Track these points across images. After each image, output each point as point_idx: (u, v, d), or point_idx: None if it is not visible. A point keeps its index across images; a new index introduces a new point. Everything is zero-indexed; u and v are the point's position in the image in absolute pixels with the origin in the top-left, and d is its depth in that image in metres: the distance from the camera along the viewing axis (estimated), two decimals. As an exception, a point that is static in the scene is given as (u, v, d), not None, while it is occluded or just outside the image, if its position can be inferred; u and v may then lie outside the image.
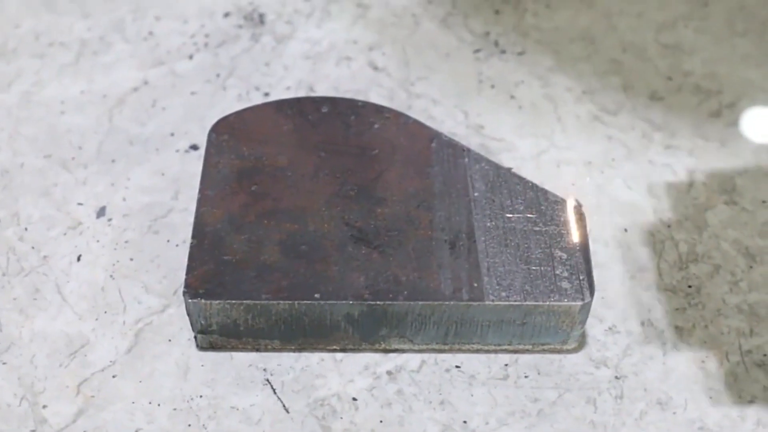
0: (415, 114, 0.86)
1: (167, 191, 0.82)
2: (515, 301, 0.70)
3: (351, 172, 0.77)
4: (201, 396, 0.71)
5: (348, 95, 0.89)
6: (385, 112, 0.81)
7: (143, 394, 0.71)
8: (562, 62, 0.93)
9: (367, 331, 0.72)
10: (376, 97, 0.89)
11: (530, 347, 0.73)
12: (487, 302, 0.70)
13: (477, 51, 0.94)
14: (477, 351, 0.73)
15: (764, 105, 0.90)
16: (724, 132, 0.88)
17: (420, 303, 0.70)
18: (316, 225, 0.73)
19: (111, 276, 0.77)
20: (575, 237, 0.73)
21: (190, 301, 0.70)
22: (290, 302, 0.70)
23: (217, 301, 0.70)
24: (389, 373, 0.72)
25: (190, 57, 0.92)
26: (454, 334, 0.72)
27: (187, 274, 0.71)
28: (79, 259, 0.78)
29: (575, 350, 0.73)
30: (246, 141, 0.78)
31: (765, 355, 0.73)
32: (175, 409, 0.70)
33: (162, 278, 0.77)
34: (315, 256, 0.72)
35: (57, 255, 0.78)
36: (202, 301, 0.70)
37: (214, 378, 0.72)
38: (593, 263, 0.75)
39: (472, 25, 0.96)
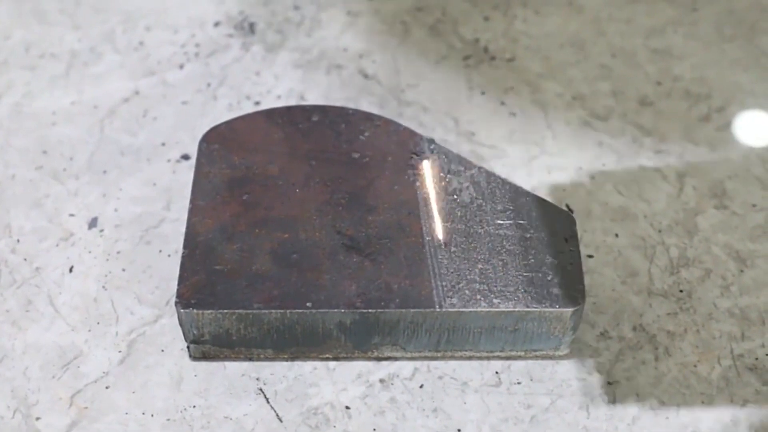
0: (406, 121, 0.87)
1: (159, 201, 0.82)
2: (507, 307, 0.70)
3: (342, 180, 0.77)
4: (194, 406, 0.71)
5: (339, 103, 0.89)
6: (376, 120, 0.81)
7: (137, 404, 0.71)
8: (552, 68, 0.93)
9: (360, 339, 0.72)
10: (366, 105, 0.89)
11: (522, 353, 0.73)
12: (478, 309, 0.70)
13: (467, 58, 0.94)
14: (469, 358, 0.73)
15: (753, 109, 0.91)
16: (714, 136, 0.88)
17: (412, 311, 0.70)
18: (308, 233, 0.73)
19: (103, 287, 0.77)
20: (566, 243, 0.74)
21: (182, 311, 0.70)
22: (282, 311, 0.70)
23: (210, 311, 0.70)
24: (382, 381, 0.72)
25: (181, 67, 0.93)
26: (447, 341, 0.72)
27: (179, 284, 0.71)
28: (71, 270, 0.78)
29: (567, 356, 0.74)
30: (237, 150, 0.79)
31: (756, 358, 0.74)
32: (168, 420, 0.70)
33: (154, 288, 0.77)
34: (306, 265, 0.72)
35: (49, 266, 0.78)
36: (195, 311, 0.70)
37: (207, 388, 0.72)
38: (584, 268, 0.75)
39: (461, 31, 0.96)
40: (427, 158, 0.78)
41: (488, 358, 0.73)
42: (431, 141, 0.80)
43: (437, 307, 0.70)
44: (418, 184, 0.77)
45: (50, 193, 0.83)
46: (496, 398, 0.72)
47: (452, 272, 0.72)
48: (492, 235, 0.74)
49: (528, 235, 0.74)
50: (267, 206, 0.75)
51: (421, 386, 0.72)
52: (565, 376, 0.73)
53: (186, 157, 0.85)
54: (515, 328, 0.71)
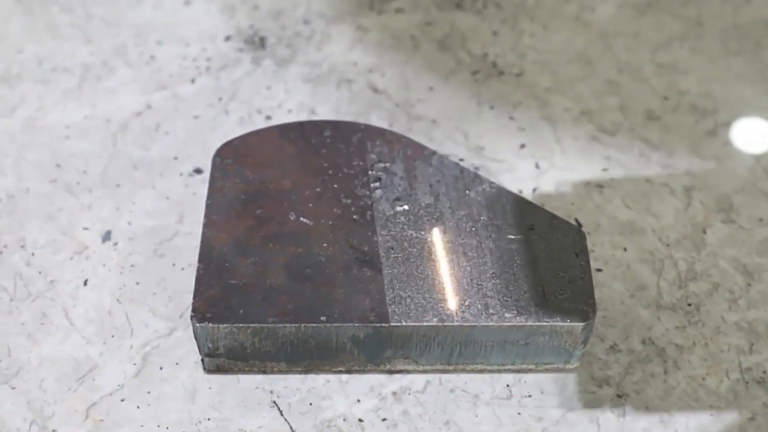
0: (416, 136, 0.87)
1: (172, 215, 0.83)
2: (518, 321, 0.71)
3: (354, 195, 0.78)
4: (209, 419, 0.72)
5: (349, 117, 0.90)
6: (387, 135, 0.82)
7: (151, 417, 0.72)
8: (560, 83, 0.94)
9: (373, 352, 0.73)
10: (376, 120, 0.90)
11: (533, 367, 0.74)
12: (490, 323, 0.71)
13: (475, 73, 0.95)
14: (481, 371, 0.74)
15: (759, 123, 0.92)
16: (721, 150, 0.89)
17: (424, 324, 0.71)
18: (321, 248, 0.74)
19: (118, 300, 0.78)
20: (576, 257, 0.74)
21: (197, 325, 0.71)
22: (296, 325, 0.71)
23: (225, 325, 0.71)
24: (395, 393, 0.73)
25: (193, 81, 0.93)
26: (458, 354, 0.73)
27: (194, 298, 0.72)
28: (85, 283, 0.79)
29: (578, 369, 0.74)
30: (250, 165, 0.79)
31: (764, 372, 0.75)
32: (183, 432, 0.71)
33: (168, 301, 0.78)
34: (320, 279, 0.73)
35: (64, 279, 0.79)
36: (210, 324, 0.71)
37: (222, 400, 0.73)
38: (594, 282, 0.76)
39: (470, 46, 0.97)
40: (437, 173, 0.79)
41: (499, 372, 0.74)
42: (441, 156, 0.81)
43: (449, 321, 0.71)
44: (428, 199, 0.78)
45: (64, 206, 0.84)
46: (508, 411, 0.72)
47: (464, 286, 0.72)
48: (502, 249, 0.75)
49: (538, 250, 0.75)
50: (280, 221, 0.76)
51: (438, 399, 0.73)
52: (575, 389, 0.73)
53: (198, 170, 0.86)
54: (526, 342, 0.72)
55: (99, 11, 0.99)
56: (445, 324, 0.71)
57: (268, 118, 0.90)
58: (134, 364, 0.74)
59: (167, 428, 0.71)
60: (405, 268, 0.73)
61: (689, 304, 0.78)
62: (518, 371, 0.74)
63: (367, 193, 0.78)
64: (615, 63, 0.96)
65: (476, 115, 0.91)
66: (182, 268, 0.79)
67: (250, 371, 0.74)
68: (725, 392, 0.74)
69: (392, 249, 0.74)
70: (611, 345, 0.76)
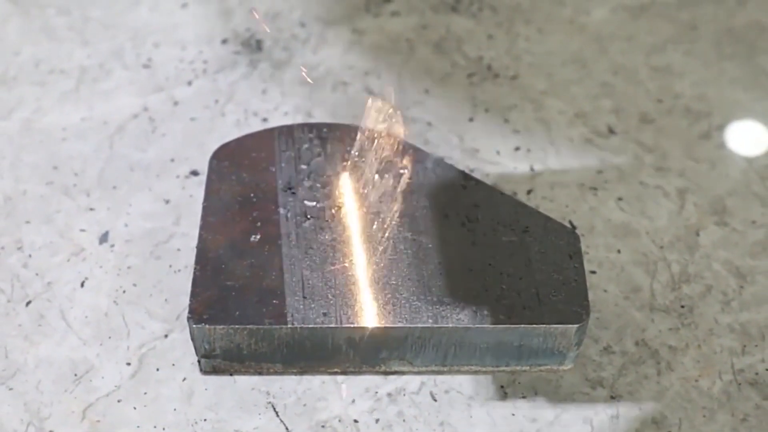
0: (411, 139, 0.87)
1: (168, 217, 0.83)
2: (512, 323, 0.71)
3: (350, 197, 0.78)
4: (205, 420, 0.72)
5: (345, 120, 0.90)
6: (382, 138, 0.82)
7: (148, 418, 0.72)
8: (555, 86, 0.95)
9: (368, 354, 0.73)
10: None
11: (528, 368, 0.74)
12: (485, 325, 0.71)
13: (471, 75, 0.95)
14: (476, 372, 0.74)
15: (752, 126, 0.92)
16: (714, 153, 0.89)
17: (420, 326, 0.71)
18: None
19: (114, 302, 0.78)
20: (570, 259, 0.75)
21: (194, 326, 0.71)
22: (292, 327, 0.71)
23: (221, 326, 0.71)
24: (390, 395, 0.74)
25: (189, 83, 0.94)
26: (453, 356, 0.73)
27: (191, 299, 0.72)
28: (82, 285, 0.79)
29: (571, 371, 0.75)
30: (247, 167, 0.80)
31: (757, 373, 0.75)
32: (179, 433, 0.71)
33: (165, 303, 0.78)
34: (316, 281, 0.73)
35: (61, 281, 0.79)
36: (206, 326, 0.71)
37: (218, 402, 0.73)
38: (588, 284, 0.76)
39: (465, 49, 0.98)
40: (432, 176, 0.80)
41: (494, 373, 0.74)
42: (437, 158, 0.81)
43: (444, 322, 0.71)
44: (424, 201, 0.78)
45: (61, 208, 0.84)
46: (502, 412, 0.73)
47: (458, 288, 0.73)
48: (497, 251, 0.75)
49: (532, 252, 0.75)
50: (277, 223, 0.76)
51: (432, 400, 0.73)
52: (569, 391, 0.74)
53: (195, 173, 0.86)
54: (521, 344, 0.72)
55: (96, 14, 1.00)
56: (440, 326, 0.71)
57: (265, 120, 0.91)
58: (131, 366, 0.75)
59: (164, 429, 0.72)
60: (400, 270, 0.74)
61: (682, 306, 0.79)
62: (513, 373, 0.75)
63: (363, 195, 0.78)
64: (609, 66, 0.96)
65: (471, 118, 0.92)
66: (179, 270, 0.80)
67: (247, 372, 0.74)
68: (718, 394, 0.74)
69: (387, 250, 0.75)
70: (605, 347, 0.76)
